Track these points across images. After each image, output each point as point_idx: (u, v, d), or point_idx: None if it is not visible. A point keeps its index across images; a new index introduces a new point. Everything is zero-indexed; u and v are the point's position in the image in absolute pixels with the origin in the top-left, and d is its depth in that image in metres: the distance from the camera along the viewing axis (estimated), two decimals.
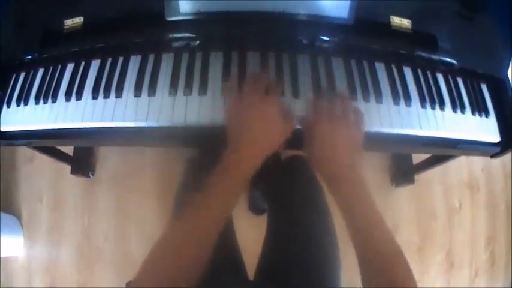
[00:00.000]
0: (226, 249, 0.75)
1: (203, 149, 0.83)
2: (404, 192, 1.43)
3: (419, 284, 0.50)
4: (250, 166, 0.55)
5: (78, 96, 0.69)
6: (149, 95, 0.67)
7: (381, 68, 0.73)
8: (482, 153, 0.79)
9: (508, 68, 0.80)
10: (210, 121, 0.64)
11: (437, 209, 1.44)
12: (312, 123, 0.60)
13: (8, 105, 0.73)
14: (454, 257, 1.41)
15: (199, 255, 0.50)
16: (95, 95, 0.69)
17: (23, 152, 1.42)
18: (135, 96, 0.68)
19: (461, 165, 1.47)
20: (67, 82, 0.71)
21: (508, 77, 0.80)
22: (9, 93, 0.74)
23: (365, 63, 0.72)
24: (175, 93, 0.67)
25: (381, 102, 0.69)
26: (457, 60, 0.75)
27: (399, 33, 0.72)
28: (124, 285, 0.70)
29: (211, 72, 0.68)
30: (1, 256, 1.29)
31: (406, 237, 1.39)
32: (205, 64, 0.68)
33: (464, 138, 0.74)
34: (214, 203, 0.52)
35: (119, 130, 0.68)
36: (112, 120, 0.67)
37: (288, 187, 0.82)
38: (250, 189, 1.27)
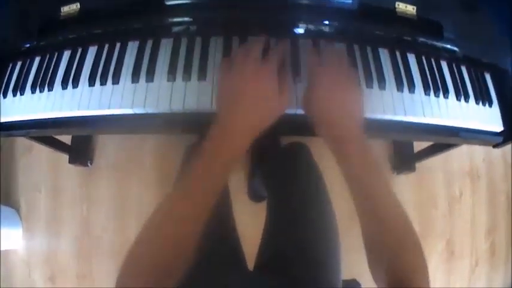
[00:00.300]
0: (225, 239, 0.74)
1: (203, 135, 0.81)
2: (405, 180, 1.43)
3: None
4: (237, 143, 0.49)
5: (75, 84, 0.68)
6: (147, 81, 0.66)
7: (384, 54, 0.71)
8: (485, 143, 0.79)
9: None
10: (210, 107, 0.63)
11: (438, 198, 1.44)
12: (315, 84, 0.56)
13: (5, 96, 0.71)
14: (454, 246, 1.41)
15: (187, 236, 0.46)
16: (91, 82, 0.67)
17: (21, 142, 1.40)
18: (132, 82, 0.66)
19: (462, 154, 1.46)
20: (63, 70, 0.70)
21: None
22: (6, 83, 0.72)
23: (368, 49, 0.70)
24: (174, 79, 0.65)
25: (384, 89, 0.68)
26: (461, 49, 0.74)
27: (404, 20, 0.70)
28: None
29: (211, 57, 0.66)
30: (1, 249, 1.29)
31: None
32: (205, 49, 0.67)
33: (467, 126, 0.73)
34: (198, 186, 0.48)
35: (116, 117, 0.66)
36: (109, 108, 0.66)
37: (288, 174, 0.81)
38: (249, 176, 1.26)
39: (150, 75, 0.66)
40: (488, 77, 0.77)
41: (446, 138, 0.80)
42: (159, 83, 0.65)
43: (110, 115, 0.66)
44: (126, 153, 1.39)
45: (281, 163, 0.83)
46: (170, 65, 0.66)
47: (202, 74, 0.65)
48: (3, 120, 0.71)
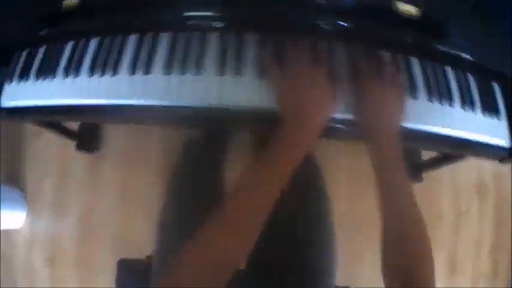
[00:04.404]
0: None
1: (201, 130, 0.82)
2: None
3: None
4: (310, 136, 0.55)
5: (76, 74, 0.70)
6: (144, 74, 0.66)
7: (386, 57, 0.69)
8: (491, 157, 0.75)
9: None
10: (202, 102, 0.63)
11: (444, 210, 1.40)
12: (366, 91, 0.60)
13: (10, 81, 0.74)
14: (456, 261, 1.37)
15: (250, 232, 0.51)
16: (91, 72, 0.68)
17: (30, 127, 1.43)
18: (130, 74, 0.67)
19: (471, 167, 1.41)
20: (66, 60, 0.71)
21: None
22: (12, 70, 0.74)
23: (369, 51, 0.68)
24: (170, 72, 0.65)
25: None
26: (469, 55, 0.71)
27: (407, 21, 0.68)
28: None
29: (207, 52, 0.66)
30: (3, 228, 1.33)
31: None
32: (202, 44, 0.67)
33: (472, 138, 0.69)
34: (273, 176, 0.52)
35: (114, 107, 0.67)
36: (106, 98, 0.67)
37: (296, 195, 0.79)
38: None
39: (148, 68, 0.66)
40: (495, 86, 0.74)
41: (449, 148, 0.77)
42: (155, 76, 0.66)
43: (107, 105, 0.67)
44: (133, 142, 1.40)
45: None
46: (167, 59, 0.66)
47: (198, 69, 0.65)
48: (8, 105, 0.73)
